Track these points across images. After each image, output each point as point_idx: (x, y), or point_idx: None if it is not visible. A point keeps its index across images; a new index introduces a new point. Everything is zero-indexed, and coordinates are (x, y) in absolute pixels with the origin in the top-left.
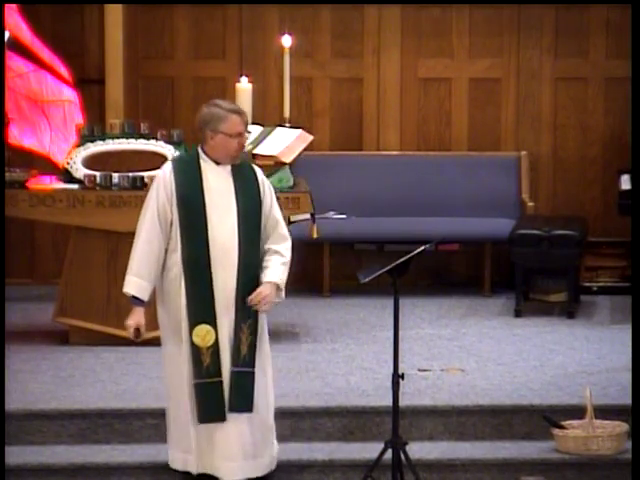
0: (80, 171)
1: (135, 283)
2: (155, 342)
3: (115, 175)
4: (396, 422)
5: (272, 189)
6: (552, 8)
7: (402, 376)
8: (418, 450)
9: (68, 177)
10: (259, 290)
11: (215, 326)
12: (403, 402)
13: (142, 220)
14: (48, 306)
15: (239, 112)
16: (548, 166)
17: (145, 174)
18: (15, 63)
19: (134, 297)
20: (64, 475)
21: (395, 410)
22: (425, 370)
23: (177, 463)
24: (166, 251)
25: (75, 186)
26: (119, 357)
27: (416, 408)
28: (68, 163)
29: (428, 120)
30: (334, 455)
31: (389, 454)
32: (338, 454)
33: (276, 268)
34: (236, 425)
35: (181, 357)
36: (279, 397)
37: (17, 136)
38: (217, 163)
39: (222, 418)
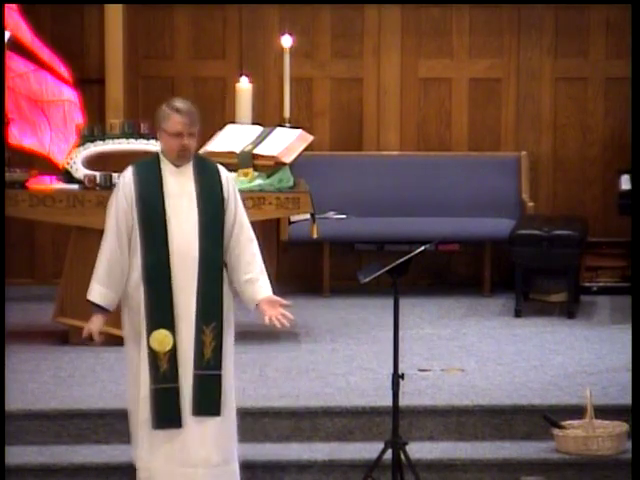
0: (80, 171)
1: (99, 291)
2: None
3: (115, 175)
4: (396, 422)
5: (237, 189)
6: (552, 8)
7: (402, 376)
8: (418, 450)
9: (68, 177)
10: (274, 312)
11: (174, 331)
12: (403, 402)
13: (106, 227)
14: (48, 306)
15: (181, 111)
16: (548, 166)
17: None
18: (15, 63)
19: (96, 305)
20: (64, 475)
21: (395, 410)
22: (425, 370)
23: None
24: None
25: (75, 186)
26: (119, 357)
27: (416, 408)
28: (68, 163)
29: (428, 120)
30: (334, 455)
31: (389, 454)
32: (338, 454)
33: (264, 280)
34: (201, 429)
35: (140, 362)
36: (279, 397)
37: (17, 136)
38: (176, 165)
39: (177, 424)
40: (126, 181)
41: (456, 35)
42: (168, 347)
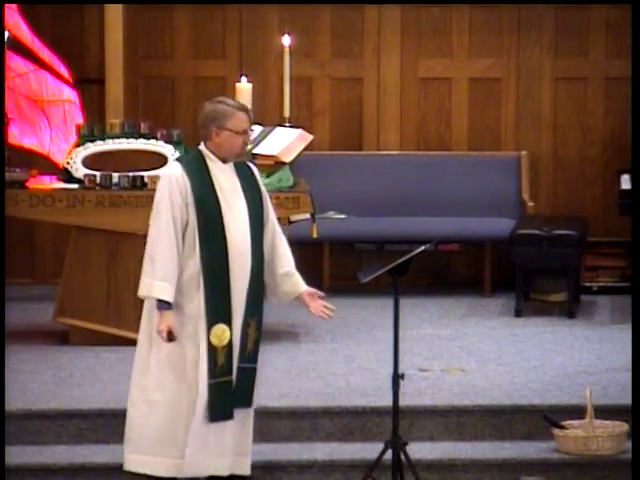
0: (80, 171)
1: (165, 288)
2: None
3: (115, 175)
4: (396, 422)
5: None
6: (552, 8)
7: (402, 376)
8: (418, 450)
9: (68, 177)
10: (317, 304)
11: (230, 325)
12: (403, 402)
13: (157, 223)
14: (48, 306)
15: (245, 109)
16: (548, 166)
17: (145, 174)
18: (15, 63)
19: (164, 301)
20: (64, 475)
21: (395, 410)
22: (425, 370)
23: (159, 468)
24: None
25: (75, 186)
26: (119, 357)
27: (416, 408)
28: (68, 163)
29: (428, 120)
30: (334, 455)
31: (389, 454)
32: (338, 454)
33: (298, 274)
34: (235, 420)
35: (187, 357)
36: (279, 397)
37: (17, 136)
38: (223, 161)
39: (231, 416)
40: (178, 177)
41: (456, 35)
42: (226, 341)
